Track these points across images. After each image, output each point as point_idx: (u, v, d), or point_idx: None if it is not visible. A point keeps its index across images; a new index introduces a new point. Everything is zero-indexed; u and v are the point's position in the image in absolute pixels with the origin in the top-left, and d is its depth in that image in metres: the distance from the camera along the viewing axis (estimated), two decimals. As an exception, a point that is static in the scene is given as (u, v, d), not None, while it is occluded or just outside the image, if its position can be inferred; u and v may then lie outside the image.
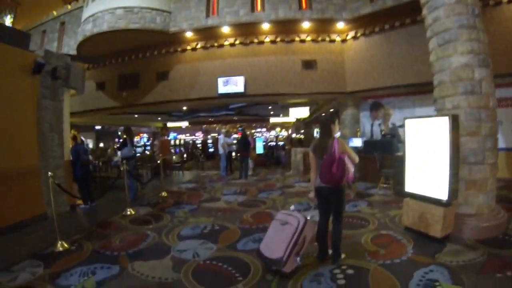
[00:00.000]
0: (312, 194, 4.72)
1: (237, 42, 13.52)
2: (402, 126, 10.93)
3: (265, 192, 10.10)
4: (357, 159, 4.50)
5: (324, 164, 4.28)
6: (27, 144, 7.46)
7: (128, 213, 7.86)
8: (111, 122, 25.73)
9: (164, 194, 10.03)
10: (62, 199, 7.78)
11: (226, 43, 13.61)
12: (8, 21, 22.90)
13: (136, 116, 23.09)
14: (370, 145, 11.37)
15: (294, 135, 31.12)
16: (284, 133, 36.29)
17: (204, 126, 36.43)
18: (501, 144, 10.55)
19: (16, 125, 7.16)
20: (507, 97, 11.13)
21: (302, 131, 28.50)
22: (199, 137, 37.98)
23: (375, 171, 9.97)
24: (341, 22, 12.49)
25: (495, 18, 10.12)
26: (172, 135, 34.64)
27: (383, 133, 13.00)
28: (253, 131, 37.44)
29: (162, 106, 15.82)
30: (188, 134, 39.42)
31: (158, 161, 11.16)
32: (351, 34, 12.91)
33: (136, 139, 32.71)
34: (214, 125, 35.45)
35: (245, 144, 13.52)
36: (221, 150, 14.45)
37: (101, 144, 28.47)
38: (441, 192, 5.40)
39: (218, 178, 13.54)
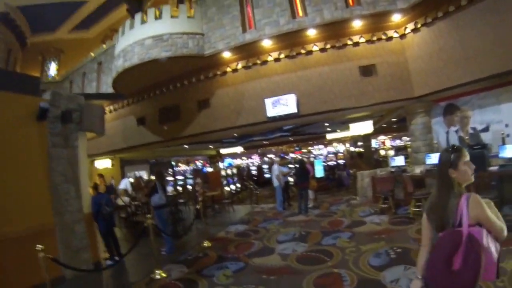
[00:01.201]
0: (416, 286, 2.42)
1: (282, 56, 11.71)
2: (485, 129, 9.01)
3: (330, 235, 7.88)
4: (504, 232, 2.17)
5: (439, 248, 2.18)
6: (38, 200, 6.47)
7: (158, 276, 6.23)
8: (160, 154, 24.84)
9: (206, 243, 8.23)
10: (84, 257, 6.75)
11: (270, 58, 11.83)
12: (53, 68, 23.49)
13: (186, 146, 21.93)
14: None
15: (352, 149, 28.80)
16: (341, 147, 33.75)
17: (260, 149, 34.74)
18: None
19: (24, 179, 6.33)
20: None
21: (361, 143, 26.23)
22: (255, 160, 36.47)
23: None
24: (397, 13, 10.29)
25: None
26: (227, 161, 33.50)
27: (467, 142, 10.30)
28: (310, 148, 35.36)
29: (207, 136, 14.13)
30: (244, 158, 38.12)
31: (198, 205, 9.57)
32: (410, 26, 10.58)
33: (186, 167, 31.75)
34: (270, 147, 33.72)
35: (303, 173, 11.50)
36: (276, 182, 12.46)
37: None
38: None
39: (274, 214, 11.55)
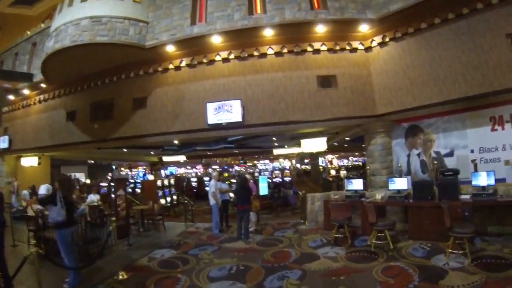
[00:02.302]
0: None
1: (232, 56, 10.18)
2: (450, 154, 8.27)
3: (275, 273, 6.16)
4: None
5: None
6: None
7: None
8: (98, 156, 22.34)
9: (122, 275, 6.31)
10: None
11: (218, 58, 10.26)
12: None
13: (125, 150, 19.40)
14: (424, 187, 7.88)
15: (298, 166, 27.83)
16: (287, 163, 32.66)
17: (204, 159, 32.56)
18: None
19: None
20: None
21: (307, 161, 25.30)
22: (199, 170, 34.49)
23: (439, 229, 6.64)
24: (365, 24, 9.33)
25: None
26: (170, 169, 31.26)
27: (436, 167, 9.35)
28: (255, 162, 33.99)
29: (142, 140, 12.05)
30: (189, 167, 35.98)
31: (112, 224, 7.36)
32: (378, 39, 9.64)
33: (129, 172, 29.16)
34: (215, 158, 31.78)
35: (245, 193, 9.61)
36: (212, 201, 10.29)
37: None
38: None
39: (209, 238, 9.54)
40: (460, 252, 6.12)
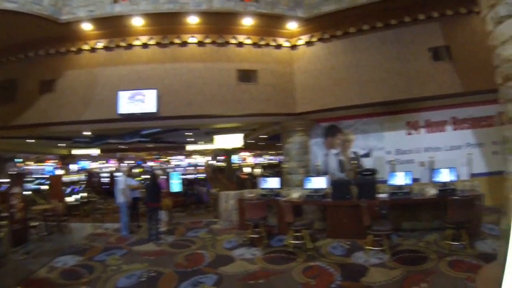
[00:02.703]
0: None
1: (152, 42, 9.35)
2: (367, 155, 8.49)
3: (189, 279, 5.57)
4: None
5: None
6: None
7: None
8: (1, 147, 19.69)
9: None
10: None
11: (137, 43, 9.36)
12: None
13: (32, 141, 17.05)
14: (342, 187, 7.80)
15: (213, 163, 27.27)
16: (202, 160, 31.86)
17: (119, 154, 30.51)
18: (482, 168, 9.43)
19: None
20: (487, 115, 9.56)
21: (221, 158, 24.87)
22: (113, 165, 32.13)
23: (357, 227, 6.64)
24: (294, 21, 9.20)
25: (473, 28, 8.57)
26: (82, 164, 28.64)
27: (354, 167, 9.74)
28: (170, 158, 32.67)
29: (49, 129, 10.61)
30: (103, 161, 33.42)
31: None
32: (305, 38, 9.62)
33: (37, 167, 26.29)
34: (129, 153, 29.82)
35: (155, 190, 8.83)
36: (120, 198, 9.12)
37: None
38: None
39: (118, 240, 8.55)
40: (379, 248, 6.18)
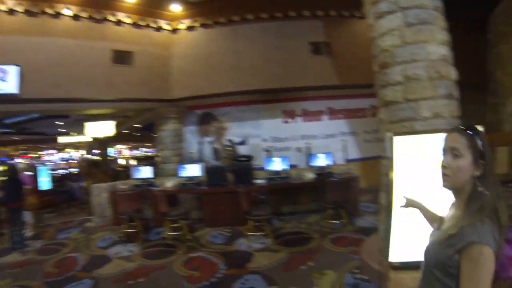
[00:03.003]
0: None
1: (20, 8, 7.56)
2: (243, 143, 8.46)
3: None
4: None
5: None
6: None
7: None
8: None
9: None
10: None
11: (3, 7, 7.49)
12: None
13: None
14: (217, 174, 7.63)
15: (88, 157, 24.99)
16: (76, 154, 28.98)
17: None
18: (356, 154, 10.34)
19: None
20: (360, 108, 10.50)
21: (96, 151, 22.92)
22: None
23: (236, 214, 6.57)
24: (177, 4, 8.71)
25: (353, 29, 9.52)
26: None
27: (230, 153, 9.55)
28: (40, 153, 29.03)
29: None
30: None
31: None
32: (187, 22, 9.14)
33: None
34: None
35: (16, 187, 7.14)
36: None
37: None
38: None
39: None
40: (260, 233, 6.17)
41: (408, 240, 3.30)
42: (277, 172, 7.67)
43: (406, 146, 3.19)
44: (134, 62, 8.76)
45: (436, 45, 4.00)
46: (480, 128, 1.53)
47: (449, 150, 1.51)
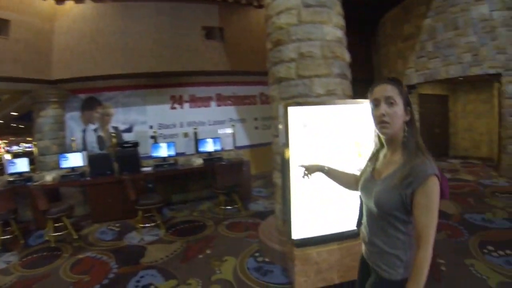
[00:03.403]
0: None
1: None
2: (129, 130, 8.30)
3: None
4: None
5: None
6: None
7: None
8: None
9: None
10: None
11: None
12: None
13: None
14: (101, 162, 6.86)
15: None
16: None
17: None
18: (245, 141, 10.50)
19: None
20: (249, 95, 10.68)
21: None
22: None
23: (124, 205, 6.17)
24: None
25: (248, 17, 9.66)
26: None
27: (115, 141, 8.69)
28: None
29: None
30: None
31: None
32: (77, -6, 7.98)
33: None
34: None
35: None
36: None
37: None
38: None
39: None
40: (152, 224, 5.83)
41: (309, 216, 3.33)
42: (164, 159, 7.28)
43: (301, 117, 3.16)
44: (9, 32, 7.19)
45: (332, 27, 4.08)
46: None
47: (383, 100, 1.64)
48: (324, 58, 3.97)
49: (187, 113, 9.74)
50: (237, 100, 10.39)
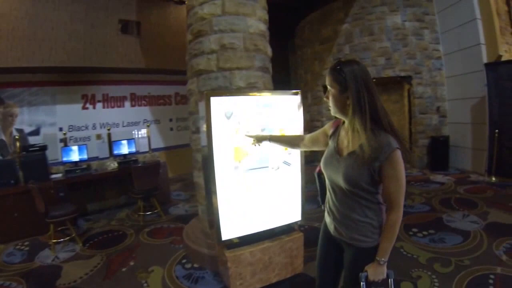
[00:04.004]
0: None
1: None
2: (36, 132, 7.46)
3: None
4: None
5: None
6: None
7: None
8: None
9: None
10: None
11: None
12: None
13: None
14: (4, 170, 5.73)
15: None
16: None
17: None
18: (160, 143, 9.98)
19: None
20: (165, 94, 10.20)
21: None
22: None
23: (34, 219, 5.25)
24: None
25: (167, 13, 9.10)
26: None
27: (19, 144, 7.27)
28: None
29: None
30: None
31: None
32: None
33: None
34: None
35: None
36: None
37: None
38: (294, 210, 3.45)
39: None
40: (66, 239, 5.10)
41: (236, 214, 3.11)
42: (76, 164, 6.50)
43: (224, 108, 2.96)
44: None
45: (256, 20, 3.94)
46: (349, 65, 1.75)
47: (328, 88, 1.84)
48: (246, 50, 3.82)
49: (100, 114, 8.88)
50: (152, 100, 9.85)
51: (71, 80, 8.34)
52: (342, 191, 1.84)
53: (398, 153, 1.66)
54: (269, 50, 4.14)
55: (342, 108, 1.78)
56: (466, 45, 7.80)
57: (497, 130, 7.00)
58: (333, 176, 1.88)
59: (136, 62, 8.37)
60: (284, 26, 11.21)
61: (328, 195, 2.00)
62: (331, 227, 2.00)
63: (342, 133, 1.92)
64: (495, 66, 7.15)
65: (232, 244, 3.11)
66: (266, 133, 3.11)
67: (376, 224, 1.80)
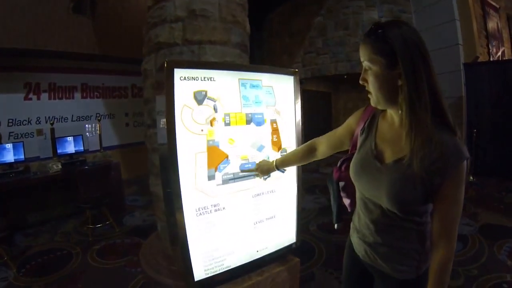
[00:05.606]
0: None
1: None
2: None
3: None
4: None
5: None
6: None
7: None
8: None
9: None
10: None
11: None
12: None
13: None
14: None
15: None
16: None
17: None
18: (114, 141, 8.68)
19: None
20: (120, 86, 8.85)
21: None
22: None
23: None
24: None
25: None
26: None
27: None
28: None
29: None
30: None
31: None
32: None
33: None
34: None
35: None
36: None
37: None
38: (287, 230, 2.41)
39: None
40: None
41: (212, 241, 2.00)
42: (10, 165, 5.15)
43: (191, 87, 1.84)
44: None
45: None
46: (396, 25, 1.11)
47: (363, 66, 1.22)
48: (222, 21, 2.83)
49: (45, 106, 7.40)
50: (106, 92, 8.55)
51: (12, 65, 6.82)
52: (381, 211, 1.29)
53: (465, 166, 1.12)
54: (248, 26, 3.19)
55: (390, 93, 1.17)
56: (443, 45, 7.42)
57: (475, 130, 6.88)
58: (371, 190, 1.30)
59: (88, 47, 7.07)
60: (250, 18, 10.52)
61: (358, 209, 1.44)
62: (360, 250, 1.46)
63: (384, 126, 1.32)
64: (473, 67, 7.07)
65: (208, 282, 2.03)
66: (260, 153, 2.17)
67: (421, 250, 1.28)
